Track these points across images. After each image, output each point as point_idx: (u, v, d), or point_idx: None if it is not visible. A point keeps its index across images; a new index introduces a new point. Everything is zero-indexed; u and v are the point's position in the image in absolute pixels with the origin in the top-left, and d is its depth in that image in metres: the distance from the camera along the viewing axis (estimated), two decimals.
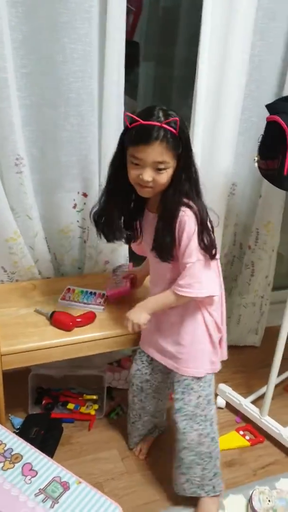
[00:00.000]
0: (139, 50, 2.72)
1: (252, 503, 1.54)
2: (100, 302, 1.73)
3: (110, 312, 1.70)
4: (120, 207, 1.42)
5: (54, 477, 1.27)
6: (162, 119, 1.22)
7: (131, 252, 2.02)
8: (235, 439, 1.83)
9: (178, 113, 1.25)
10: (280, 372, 1.85)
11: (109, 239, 1.48)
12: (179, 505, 1.59)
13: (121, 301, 1.73)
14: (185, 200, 1.32)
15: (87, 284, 1.85)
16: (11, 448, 1.33)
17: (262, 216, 2.02)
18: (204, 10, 1.58)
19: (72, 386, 1.99)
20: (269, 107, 1.47)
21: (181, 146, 1.25)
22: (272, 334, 2.29)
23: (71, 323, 1.59)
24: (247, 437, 1.85)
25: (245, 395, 1.98)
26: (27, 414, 1.84)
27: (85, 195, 1.80)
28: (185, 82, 2.67)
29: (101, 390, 1.94)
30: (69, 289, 1.78)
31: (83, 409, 1.89)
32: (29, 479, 1.26)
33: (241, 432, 1.86)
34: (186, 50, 2.59)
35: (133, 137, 1.24)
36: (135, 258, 2.07)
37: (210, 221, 1.36)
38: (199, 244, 1.32)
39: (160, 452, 1.78)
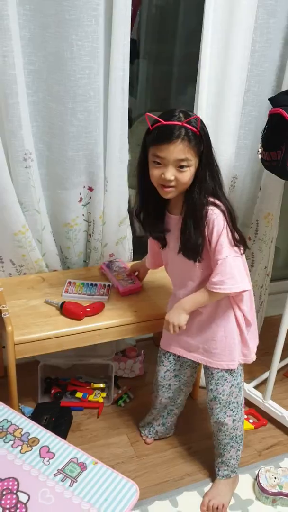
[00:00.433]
0: (137, 47, 2.76)
1: (259, 481, 1.60)
2: (103, 293, 1.78)
3: (115, 302, 1.75)
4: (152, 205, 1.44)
5: (71, 459, 1.31)
6: (183, 118, 1.25)
7: (135, 245, 2.08)
8: None
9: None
10: (281, 359, 1.91)
11: (147, 231, 1.51)
12: (189, 485, 1.65)
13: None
14: (211, 198, 1.35)
15: (93, 276, 1.90)
16: (28, 432, 1.38)
17: (261, 208, 2.07)
18: (206, 7, 1.62)
19: (79, 375, 2.04)
20: (272, 100, 1.52)
21: (202, 144, 1.28)
22: (270, 323, 2.36)
23: (81, 312, 1.63)
24: (251, 421, 1.91)
25: (248, 381, 2.04)
26: (37, 403, 1.89)
27: (90, 189, 1.84)
28: (183, 79, 2.73)
29: (108, 378, 2.00)
30: (70, 282, 1.82)
31: (91, 397, 1.94)
32: (47, 461, 1.30)
33: (245, 416, 1.93)
34: (184, 47, 2.64)
35: (155, 136, 1.27)
36: (139, 253, 2.12)
37: (235, 216, 1.39)
38: (230, 240, 1.35)
39: (167, 437, 1.83)
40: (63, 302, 1.66)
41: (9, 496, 1.18)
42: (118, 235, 1.96)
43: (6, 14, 1.44)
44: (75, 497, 1.20)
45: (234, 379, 1.55)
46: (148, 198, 1.42)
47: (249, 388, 1.99)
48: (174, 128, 1.24)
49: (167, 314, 1.47)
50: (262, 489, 1.59)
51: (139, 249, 2.15)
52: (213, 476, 1.67)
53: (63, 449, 1.34)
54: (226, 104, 1.80)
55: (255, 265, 2.22)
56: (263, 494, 1.59)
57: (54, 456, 1.31)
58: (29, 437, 1.36)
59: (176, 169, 1.28)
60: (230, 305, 1.47)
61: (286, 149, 1.43)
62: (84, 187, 1.84)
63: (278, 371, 1.96)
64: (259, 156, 1.59)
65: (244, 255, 1.42)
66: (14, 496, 1.18)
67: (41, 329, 1.58)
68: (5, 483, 1.21)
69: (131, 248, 2.07)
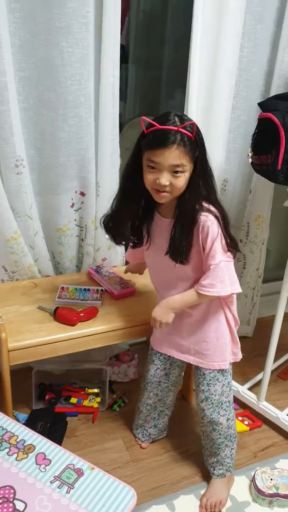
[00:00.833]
0: (126, 53, 2.77)
1: (255, 482, 1.61)
2: (97, 298, 1.78)
3: (108, 306, 1.75)
4: (131, 211, 1.44)
5: (68, 465, 1.31)
6: (178, 123, 1.24)
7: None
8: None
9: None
10: (274, 360, 1.92)
11: (117, 242, 1.53)
12: (185, 489, 1.66)
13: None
14: (205, 204, 1.34)
15: (86, 281, 1.90)
16: (24, 440, 1.37)
17: (252, 211, 2.09)
18: (195, 12, 1.64)
19: (73, 381, 2.04)
20: (261, 105, 1.54)
21: (197, 149, 1.28)
22: (263, 324, 2.38)
23: (75, 318, 1.63)
24: (246, 422, 1.92)
25: (241, 383, 2.05)
26: (31, 410, 1.89)
27: (82, 194, 1.85)
28: (172, 83, 2.74)
29: (102, 383, 1.99)
30: (63, 287, 1.81)
31: (86, 403, 1.94)
32: (44, 468, 1.30)
33: (240, 418, 1.94)
34: (172, 52, 2.65)
35: (150, 141, 1.25)
36: None
37: (228, 221, 1.40)
38: (223, 246, 1.36)
39: (162, 440, 1.84)
40: (57, 308, 1.66)
41: (5, 505, 1.17)
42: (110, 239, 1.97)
43: None
44: (72, 504, 1.20)
45: (225, 379, 1.56)
46: (134, 199, 1.41)
47: (243, 390, 2.00)
48: (170, 133, 1.23)
49: (154, 310, 1.47)
50: (259, 490, 1.60)
51: None
52: (209, 479, 1.68)
53: (59, 456, 1.34)
54: (215, 109, 1.82)
55: (247, 267, 2.23)
56: (259, 495, 1.60)
57: (50, 463, 1.31)
58: (25, 444, 1.36)
59: (171, 174, 1.27)
60: (221, 306, 1.48)
61: (276, 153, 1.45)
62: (76, 192, 1.84)
63: (272, 372, 1.97)
64: (250, 160, 1.61)
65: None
66: (11, 505, 1.17)
67: (35, 335, 1.58)
68: (1, 492, 1.20)
69: (124, 252, 2.07)
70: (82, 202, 1.86)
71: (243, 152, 1.95)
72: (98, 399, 1.96)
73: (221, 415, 1.57)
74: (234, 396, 2.00)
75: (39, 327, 1.61)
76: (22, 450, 1.34)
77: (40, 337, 1.57)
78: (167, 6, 2.62)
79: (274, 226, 2.24)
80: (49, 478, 1.27)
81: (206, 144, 1.84)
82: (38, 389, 1.98)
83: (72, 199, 1.84)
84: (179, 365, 1.67)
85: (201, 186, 1.32)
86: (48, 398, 1.94)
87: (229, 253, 1.38)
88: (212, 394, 1.56)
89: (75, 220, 1.90)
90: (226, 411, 1.58)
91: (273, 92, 1.85)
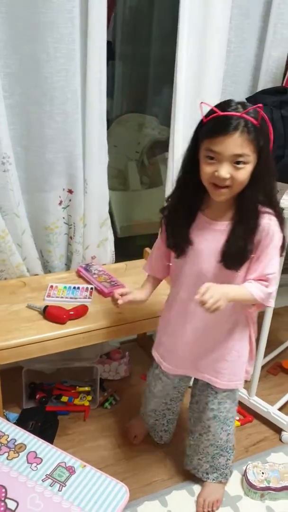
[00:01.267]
0: (113, 49, 2.77)
1: (247, 477, 1.62)
2: (86, 296, 1.77)
3: (98, 304, 1.75)
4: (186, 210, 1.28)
5: (59, 463, 1.31)
6: (241, 109, 1.12)
7: (116, 247, 2.07)
8: None
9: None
10: (264, 355, 1.93)
11: (171, 245, 1.35)
12: (178, 485, 1.66)
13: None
14: (268, 208, 1.21)
15: (75, 280, 1.89)
16: (14, 439, 1.36)
17: None
18: (181, 8, 1.63)
19: (64, 379, 2.03)
20: (249, 100, 1.54)
21: (262, 137, 1.13)
22: None
23: (65, 316, 1.62)
24: (237, 418, 1.93)
25: None
26: (22, 409, 1.87)
27: (70, 191, 1.84)
28: (159, 79, 2.74)
29: (93, 381, 1.99)
30: (52, 286, 1.80)
31: (77, 401, 1.93)
32: (35, 466, 1.29)
33: None
34: (159, 48, 2.65)
35: (211, 128, 1.13)
36: (120, 255, 2.12)
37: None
38: (282, 254, 1.26)
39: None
40: (46, 306, 1.65)
41: None
42: (99, 237, 1.96)
43: None
44: (64, 502, 1.19)
45: (235, 396, 1.51)
46: (183, 199, 1.28)
47: None
48: (232, 119, 1.10)
49: (211, 287, 1.16)
50: (250, 484, 1.60)
51: (121, 251, 2.15)
52: None
53: (51, 454, 1.33)
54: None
55: None
56: (251, 489, 1.60)
57: (41, 461, 1.30)
58: (16, 443, 1.35)
59: (232, 166, 1.13)
60: (247, 324, 1.39)
61: None
62: (63, 189, 1.83)
63: (262, 367, 1.98)
64: None
65: None
66: (2, 504, 1.17)
67: (24, 334, 1.57)
68: None
69: (113, 250, 2.06)
70: (70, 200, 1.85)
71: None
72: (89, 397, 1.95)
73: (223, 430, 1.53)
74: None
75: (28, 326, 1.60)
76: (13, 449, 1.34)
77: (29, 336, 1.55)
78: (153, 2, 2.62)
79: None
80: (41, 476, 1.26)
81: None
82: (29, 388, 1.97)
83: (59, 196, 1.83)
84: (189, 378, 1.61)
85: (265, 181, 1.18)
86: (39, 397, 1.93)
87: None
88: (221, 412, 1.50)
89: (63, 218, 1.89)
90: (228, 426, 1.54)
91: (260, 87, 1.85)
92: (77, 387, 1.98)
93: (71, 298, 1.75)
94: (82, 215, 1.87)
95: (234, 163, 1.12)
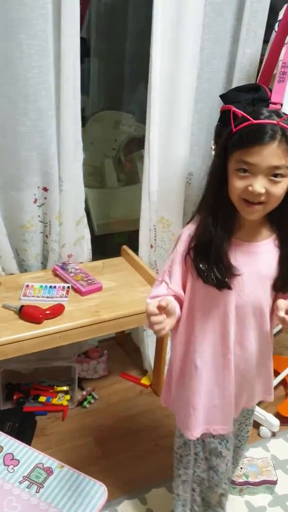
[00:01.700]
0: (87, 46, 2.75)
1: None
2: (63, 295, 1.75)
3: (75, 303, 1.73)
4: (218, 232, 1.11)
5: (37, 464, 1.30)
6: (276, 117, 1.01)
7: (94, 245, 2.06)
8: None
9: None
10: None
11: (211, 278, 1.11)
12: (157, 482, 1.66)
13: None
14: None
15: (52, 279, 1.87)
16: None
17: None
18: (155, 5, 1.63)
19: (41, 379, 2.01)
20: (222, 97, 1.53)
21: None
22: None
23: (41, 316, 1.61)
24: None
25: None
26: None
27: (45, 189, 1.82)
28: (135, 76, 2.74)
29: (71, 380, 1.98)
30: (28, 285, 1.78)
31: (55, 401, 1.92)
32: (12, 468, 1.28)
33: None
34: (134, 45, 2.65)
35: (244, 137, 1.01)
36: (98, 253, 2.11)
37: None
38: None
39: (133, 435, 1.84)
40: (22, 306, 1.63)
41: None
42: (75, 235, 1.94)
43: None
44: (42, 503, 1.18)
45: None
46: (218, 225, 1.10)
47: None
48: (267, 127, 0.99)
49: None
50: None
51: (98, 249, 2.14)
52: None
53: (28, 455, 1.32)
54: (178, 102, 1.81)
55: None
56: (230, 485, 1.62)
57: (18, 463, 1.29)
58: None
59: (267, 180, 1.01)
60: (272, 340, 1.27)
61: None
62: (38, 187, 1.81)
63: None
64: (213, 152, 1.60)
65: None
66: None
67: (0, 334, 1.54)
68: None
69: (90, 248, 2.05)
70: (45, 198, 1.83)
71: (207, 145, 1.96)
72: (68, 397, 1.94)
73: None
74: None
75: (4, 326, 1.58)
76: None
77: (5, 336, 1.53)
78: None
79: None
80: (18, 478, 1.25)
81: (169, 137, 1.86)
82: (6, 389, 1.95)
83: (34, 194, 1.81)
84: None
85: None
86: (16, 398, 1.91)
87: None
88: (244, 438, 1.45)
89: (39, 216, 1.86)
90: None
91: (235, 85, 1.86)
92: (55, 386, 1.97)
93: (47, 297, 1.73)
94: (57, 213, 1.85)
95: (270, 176, 1.01)
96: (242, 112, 1.03)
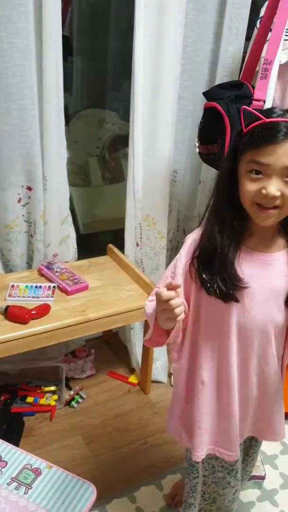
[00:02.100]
0: (70, 44, 2.74)
1: None
2: (49, 294, 1.75)
3: (61, 302, 1.72)
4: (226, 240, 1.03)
5: (25, 465, 1.29)
6: None
7: (79, 244, 2.05)
8: None
9: None
10: None
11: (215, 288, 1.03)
12: (146, 480, 1.66)
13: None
14: None
15: (37, 278, 1.86)
16: None
17: (203, 201, 2.11)
18: (137, 3, 1.62)
19: (29, 380, 2.00)
20: (205, 94, 1.54)
21: None
22: None
23: (27, 316, 1.60)
24: None
25: None
26: None
27: (29, 188, 1.80)
28: (118, 74, 2.73)
29: (59, 380, 1.97)
30: (13, 285, 1.77)
31: (42, 401, 1.91)
32: (0, 470, 1.27)
33: None
34: (117, 43, 2.64)
35: (256, 136, 0.94)
36: (83, 251, 2.11)
37: None
38: None
39: (121, 434, 1.84)
40: (7, 306, 1.62)
41: None
42: (61, 234, 1.93)
43: None
44: (30, 504, 1.17)
45: None
46: (225, 232, 1.03)
47: None
48: (281, 125, 0.93)
49: None
50: None
51: (84, 248, 2.14)
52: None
53: (16, 456, 1.31)
54: (161, 99, 1.81)
55: None
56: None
57: (6, 465, 1.28)
58: None
59: (282, 181, 0.94)
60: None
61: (222, 143, 1.46)
62: (22, 186, 1.79)
63: None
64: (197, 150, 1.61)
65: None
66: None
67: None
68: None
69: (75, 247, 2.04)
70: (30, 197, 1.81)
71: (191, 143, 1.96)
72: (55, 397, 1.93)
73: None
74: None
75: None
76: None
77: None
78: None
79: None
80: (6, 480, 1.24)
81: (154, 135, 1.85)
82: None
83: (18, 194, 1.79)
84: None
85: None
86: (4, 399, 1.89)
87: None
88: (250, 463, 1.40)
89: (23, 215, 1.85)
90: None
91: (217, 82, 1.86)
92: (43, 387, 1.96)
93: (33, 297, 1.72)
94: (42, 212, 1.84)
95: (285, 177, 0.94)
96: (254, 111, 0.96)
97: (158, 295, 0.94)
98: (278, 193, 0.93)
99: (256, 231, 1.04)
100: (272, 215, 0.97)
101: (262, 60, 1.50)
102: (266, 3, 1.57)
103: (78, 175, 2.81)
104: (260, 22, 1.60)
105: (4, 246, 1.88)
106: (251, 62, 1.61)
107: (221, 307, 1.05)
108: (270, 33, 1.50)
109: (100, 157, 2.90)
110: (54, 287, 1.78)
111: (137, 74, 1.72)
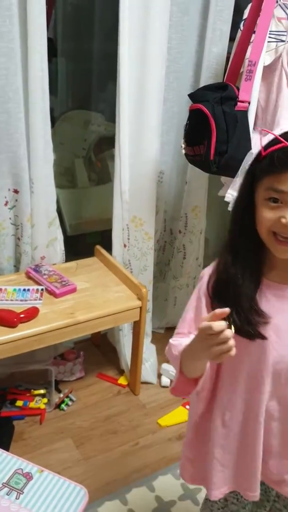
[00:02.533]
0: (54, 46, 2.73)
1: None
2: (37, 297, 1.74)
3: (49, 305, 1.72)
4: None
5: (16, 470, 1.28)
6: None
7: (67, 246, 2.05)
8: (183, 414, 1.93)
9: None
10: None
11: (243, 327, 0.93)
12: (137, 482, 1.66)
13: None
14: None
15: (25, 281, 1.85)
16: None
17: (189, 201, 2.12)
18: (121, 4, 1.63)
19: (18, 383, 1.99)
20: (191, 96, 1.55)
21: None
22: None
23: (15, 319, 1.59)
24: None
25: None
26: None
27: (16, 191, 1.80)
28: (103, 76, 2.73)
29: (48, 383, 1.96)
30: (1, 289, 1.76)
31: (32, 404, 1.90)
32: None
33: (188, 407, 1.96)
34: (102, 44, 2.64)
35: (276, 161, 0.86)
36: (71, 253, 2.10)
37: None
38: None
39: (112, 435, 1.84)
40: None
41: None
42: (48, 237, 1.93)
43: None
44: (22, 509, 1.17)
45: None
46: (243, 263, 0.96)
47: None
48: None
49: None
50: None
51: (71, 250, 2.13)
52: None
53: (6, 461, 1.30)
54: (147, 101, 1.81)
55: (187, 256, 2.26)
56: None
57: None
58: None
59: None
60: None
61: (208, 144, 1.47)
62: (9, 189, 1.79)
63: None
64: (183, 151, 1.62)
65: None
66: None
67: None
68: None
69: (63, 249, 2.04)
70: (16, 200, 1.81)
71: (177, 144, 1.97)
72: (45, 400, 1.92)
73: None
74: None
75: None
76: None
77: None
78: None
79: (210, 215, 2.28)
80: None
81: (140, 137, 1.86)
82: None
83: (5, 197, 1.79)
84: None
85: None
86: None
87: None
88: None
89: (10, 218, 1.84)
90: None
91: (202, 83, 1.87)
92: (32, 390, 1.95)
93: (21, 300, 1.72)
94: (29, 215, 1.83)
95: None
96: (274, 134, 0.89)
97: (205, 329, 0.81)
98: None
99: (277, 264, 0.97)
100: None
101: (246, 61, 1.51)
102: (250, 5, 1.58)
103: (64, 176, 2.81)
104: (243, 24, 1.62)
105: None
106: (236, 64, 1.62)
107: (244, 343, 0.94)
108: (253, 35, 1.52)
109: (86, 159, 2.89)
110: (42, 290, 1.77)
111: (122, 76, 1.73)
